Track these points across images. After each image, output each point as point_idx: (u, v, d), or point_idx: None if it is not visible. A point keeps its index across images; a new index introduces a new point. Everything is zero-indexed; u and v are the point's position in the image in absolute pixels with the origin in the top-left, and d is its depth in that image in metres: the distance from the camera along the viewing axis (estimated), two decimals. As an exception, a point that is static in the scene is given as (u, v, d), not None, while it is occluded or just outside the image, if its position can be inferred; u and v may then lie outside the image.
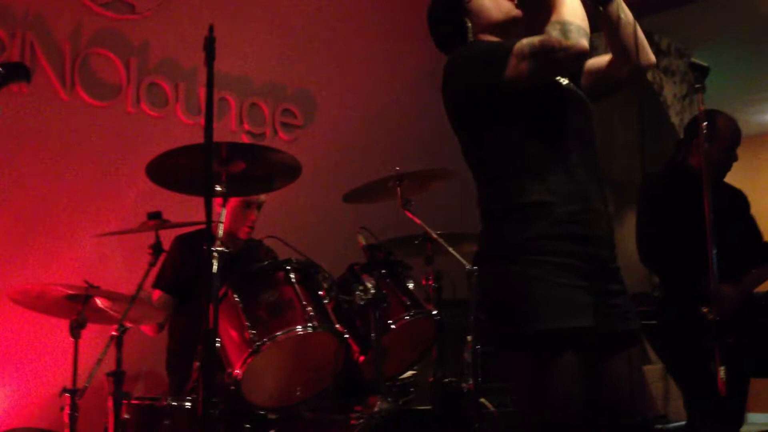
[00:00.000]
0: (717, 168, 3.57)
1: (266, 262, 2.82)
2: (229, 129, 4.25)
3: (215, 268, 2.38)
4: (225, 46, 4.11)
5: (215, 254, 2.42)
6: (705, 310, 2.60)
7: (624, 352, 2.04)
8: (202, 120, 4.14)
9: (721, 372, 2.34)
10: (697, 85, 2.39)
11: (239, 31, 4.29)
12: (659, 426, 4.75)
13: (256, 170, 2.80)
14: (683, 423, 3.46)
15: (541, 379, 1.92)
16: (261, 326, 2.62)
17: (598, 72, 2.21)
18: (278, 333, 2.61)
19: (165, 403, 2.70)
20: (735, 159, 3.60)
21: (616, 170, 6.16)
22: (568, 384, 1.91)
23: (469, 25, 2.16)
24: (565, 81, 2.13)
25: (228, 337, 2.69)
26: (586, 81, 2.21)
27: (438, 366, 3.39)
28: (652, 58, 2.17)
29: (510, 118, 2.04)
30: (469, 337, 3.41)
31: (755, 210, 3.70)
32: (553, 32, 1.92)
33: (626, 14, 2.14)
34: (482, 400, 3.52)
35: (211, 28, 2.38)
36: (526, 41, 1.96)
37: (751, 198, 3.73)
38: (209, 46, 2.39)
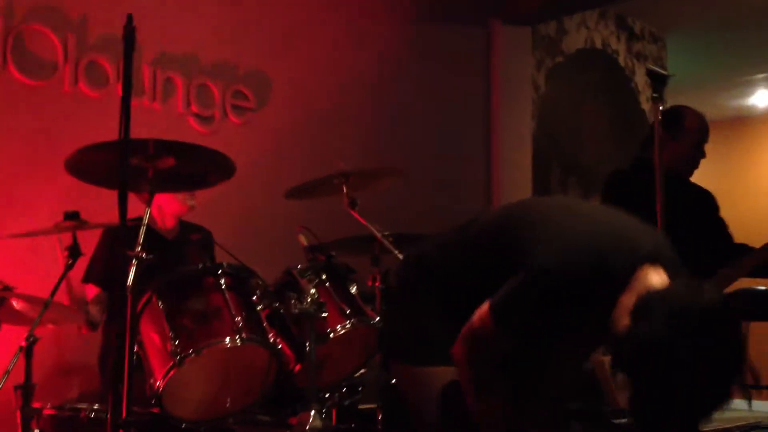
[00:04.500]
0: (684, 166, 3.49)
1: (196, 266, 2.65)
2: (176, 111, 4.01)
3: (131, 277, 2.23)
4: (172, 21, 3.94)
5: (134, 261, 2.26)
6: None
7: None
8: (145, 101, 3.92)
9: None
10: (654, 95, 2.22)
11: (187, 6, 4.05)
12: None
13: (187, 168, 2.61)
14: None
15: None
16: (185, 337, 2.47)
17: None
18: (203, 345, 2.46)
19: (83, 414, 2.54)
20: (703, 156, 3.53)
21: (585, 157, 6.02)
22: None
23: None
24: None
25: (151, 344, 2.54)
26: None
27: (382, 369, 3.26)
28: None
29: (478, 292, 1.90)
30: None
31: (729, 195, 3.61)
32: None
33: None
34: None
35: (129, 17, 2.18)
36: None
37: (725, 182, 3.64)
38: (128, 37, 2.20)
